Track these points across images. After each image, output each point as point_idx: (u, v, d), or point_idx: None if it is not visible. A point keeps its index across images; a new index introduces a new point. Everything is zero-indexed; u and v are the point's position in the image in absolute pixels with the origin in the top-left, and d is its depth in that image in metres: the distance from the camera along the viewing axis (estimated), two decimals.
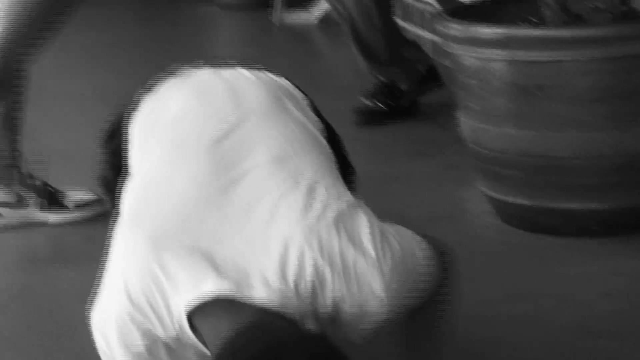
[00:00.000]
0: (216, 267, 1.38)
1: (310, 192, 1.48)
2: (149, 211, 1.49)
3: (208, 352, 1.37)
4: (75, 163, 2.90)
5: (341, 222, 1.45)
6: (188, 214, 1.45)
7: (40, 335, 2.04)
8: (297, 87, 1.82)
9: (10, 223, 2.53)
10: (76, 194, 2.59)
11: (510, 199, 2.35)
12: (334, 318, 1.44)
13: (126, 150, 1.71)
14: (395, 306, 1.45)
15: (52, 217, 2.56)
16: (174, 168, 1.55)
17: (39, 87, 2.64)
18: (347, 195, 1.52)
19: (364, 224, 1.46)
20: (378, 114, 3.26)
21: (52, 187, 2.60)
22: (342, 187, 1.55)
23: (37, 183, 2.58)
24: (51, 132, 3.19)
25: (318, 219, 1.44)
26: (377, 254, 1.43)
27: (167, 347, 1.40)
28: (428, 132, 3.15)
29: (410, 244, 1.50)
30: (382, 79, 3.31)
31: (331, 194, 1.49)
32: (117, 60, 4.31)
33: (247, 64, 1.84)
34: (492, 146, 2.33)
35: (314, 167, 1.55)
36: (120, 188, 1.61)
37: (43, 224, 2.56)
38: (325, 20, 4.71)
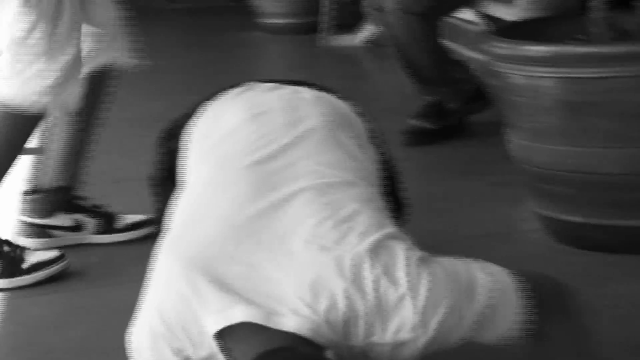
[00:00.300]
0: (247, 292, 1.39)
1: (348, 221, 1.48)
2: (187, 234, 1.52)
3: None
4: (127, 186, 2.94)
5: (376, 253, 1.43)
6: (224, 239, 1.46)
7: (92, 353, 2.07)
8: (357, 109, 1.82)
9: (63, 245, 2.56)
10: (128, 217, 2.62)
11: (561, 216, 2.34)
12: (367, 350, 1.43)
13: (181, 157, 1.73)
14: (434, 336, 1.42)
15: (105, 239, 2.60)
16: (217, 190, 1.56)
17: None
18: (387, 227, 1.50)
19: (400, 254, 1.44)
20: (427, 133, 3.26)
21: (105, 210, 2.64)
22: (383, 219, 1.53)
23: (93, 207, 2.62)
24: (104, 157, 3.23)
25: (352, 249, 1.43)
26: (409, 283, 1.41)
27: None
28: (477, 151, 3.15)
29: (462, 274, 1.46)
30: (430, 99, 3.32)
31: (370, 225, 1.48)
32: (166, 86, 4.36)
33: (310, 83, 1.84)
34: (542, 164, 2.33)
35: (356, 198, 1.54)
36: (172, 197, 1.63)
37: (95, 245, 2.59)
38: (371, 43, 4.73)
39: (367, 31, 4.81)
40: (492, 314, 1.45)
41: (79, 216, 2.60)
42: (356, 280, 1.40)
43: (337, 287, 1.39)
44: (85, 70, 2.45)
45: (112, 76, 2.58)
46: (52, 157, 2.59)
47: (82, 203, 2.62)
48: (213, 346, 1.40)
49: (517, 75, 2.31)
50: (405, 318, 1.40)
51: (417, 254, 1.46)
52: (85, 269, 2.50)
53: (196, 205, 1.57)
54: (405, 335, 1.40)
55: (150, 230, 2.51)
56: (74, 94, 2.33)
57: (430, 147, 3.21)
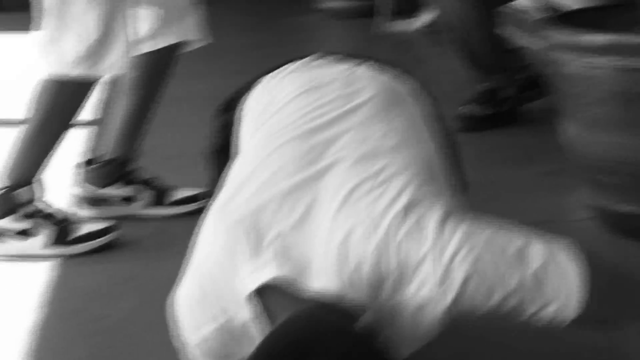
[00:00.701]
0: (282, 255, 1.40)
1: (384, 184, 1.47)
2: (233, 200, 1.53)
3: None
4: (183, 161, 2.98)
5: (409, 213, 1.42)
6: (266, 204, 1.47)
7: (140, 323, 2.11)
8: (418, 89, 1.81)
9: (117, 215, 2.61)
10: (180, 191, 2.65)
11: (614, 206, 2.33)
12: (393, 312, 1.42)
13: (236, 128, 1.75)
14: (458, 298, 1.39)
15: (157, 212, 2.64)
16: (264, 159, 1.58)
17: None
18: (427, 191, 1.48)
19: (434, 215, 1.42)
20: (480, 120, 3.25)
21: (158, 184, 2.68)
22: (424, 185, 1.49)
23: (146, 180, 2.66)
24: (162, 133, 3.27)
25: (384, 210, 1.43)
26: (436, 242, 1.39)
27: (234, 332, 1.44)
28: (528, 139, 3.13)
29: (508, 240, 1.42)
30: (484, 86, 3.30)
31: (406, 187, 1.46)
32: (223, 66, 4.38)
33: (373, 59, 1.84)
34: (596, 154, 2.31)
35: (404, 166, 1.53)
36: (226, 165, 1.66)
37: (148, 218, 2.63)
38: (428, 29, 4.72)
39: (424, 17, 4.79)
40: (538, 286, 1.40)
41: (132, 188, 2.64)
42: (384, 240, 1.40)
43: (365, 247, 1.39)
44: (148, 47, 2.49)
45: (176, 55, 2.61)
46: (109, 129, 2.63)
47: (136, 176, 2.66)
48: (249, 311, 1.41)
49: (573, 64, 2.29)
50: (427, 275, 1.38)
51: (456, 216, 1.43)
52: (136, 241, 2.54)
53: (244, 173, 1.59)
54: (425, 293, 1.38)
55: (201, 205, 2.54)
56: (116, 62, 2.32)
57: (482, 134, 3.20)
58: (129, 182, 2.63)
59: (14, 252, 2.42)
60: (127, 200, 2.63)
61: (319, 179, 1.50)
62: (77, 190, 2.65)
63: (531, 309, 1.42)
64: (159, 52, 2.55)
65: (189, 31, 2.56)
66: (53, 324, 2.13)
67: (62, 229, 2.42)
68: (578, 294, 1.41)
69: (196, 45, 2.62)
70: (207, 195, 2.13)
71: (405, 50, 4.69)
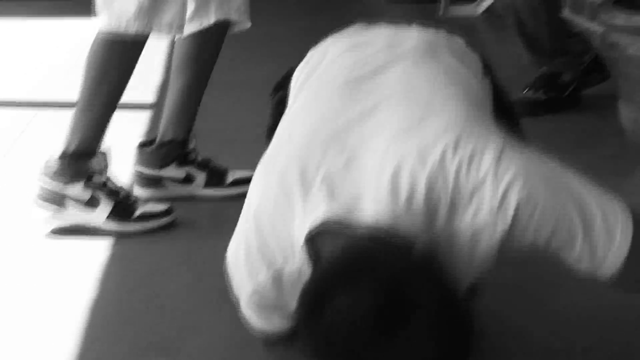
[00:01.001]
0: (332, 194, 1.39)
1: (435, 116, 1.45)
2: (281, 149, 1.54)
3: None
4: (236, 145, 3.00)
5: (464, 142, 1.39)
6: (313, 149, 1.46)
7: (196, 299, 2.13)
8: (470, 46, 1.80)
9: (173, 196, 2.64)
10: (236, 172, 2.68)
11: None
12: (448, 240, 1.38)
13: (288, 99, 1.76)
14: (513, 225, 1.36)
15: (214, 192, 2.66)
16: (310, 108, 1.58)
17: (213, 75, 2.73)
18: (481, 123, 1.45)
19: (491, 145, 1.39)
20: (540, 105, 3.22)
21: (215, 165, 2.70)
22: (477, 118, 1.47)
23: (203, 161, 2.69)
24: (220, 116, 3.31)
25: (436, 141, 1.40)
26: (493, 169, 1.36)
27: (289, 278, 1.44)
28: (589, 124, 3.10)
29: (566, 179, 1.41)
30: (545, 70, 3.27)
31: (458, 119, 1.44)
32: (284, 51, 4.39)
33: (421, 24, 1.80)
34: None
35: (454, 104, 1.49)
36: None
37: (204, 199, 2.66)
38: (488, 12, 4.68)
39: (486, 1, 4.75)
40: (586, 233, 1.39)
41: (190, 169, 2.66)
42: (437, 169, 1.37)
43: (417, 177, 1.37)
44: (194, 26, 2.51)
45: (221, 36, 2.62)
46: (166, 110, 2.66)
47: (194, 157, 2.68)
48: (301, 253, 1.40)
49: (633, 47, 2.26)
50: (484, 201, 1.35)
51: (512, 148, 1.40)
52: (192, 221, 2.57)
53: (290, 125, 1.59)
54: (482, 219, 1.35)
55: None
56: (172, 22, 2.34)
57: (543, 118, 3.17)
58: (184, 163, 2.66)
59: (76, 221, 2.45)
60: (184, 181, 2.66)
61: (366, 120, 1.48)
62: (136, 171, 2.68)
63: (572, 256, 1.40)
64: (205, 32, 2.56)
65: (231, 11, 2.56)
66: (109, 301, 2.17)
67: (124, 205, 2.46)
68: (618, 257, 1.40)
69: (240, 28, 2.62)
70: None
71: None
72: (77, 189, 2.42)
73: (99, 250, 2.39)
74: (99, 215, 2.43)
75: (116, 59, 2.38)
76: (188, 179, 2.66)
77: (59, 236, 2.46)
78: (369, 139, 1.45)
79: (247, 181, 2.59)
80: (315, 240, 1.39)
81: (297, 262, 1.42)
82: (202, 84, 2.65)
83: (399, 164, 1.39)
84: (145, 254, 2.39)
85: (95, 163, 2.44)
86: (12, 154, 3.05)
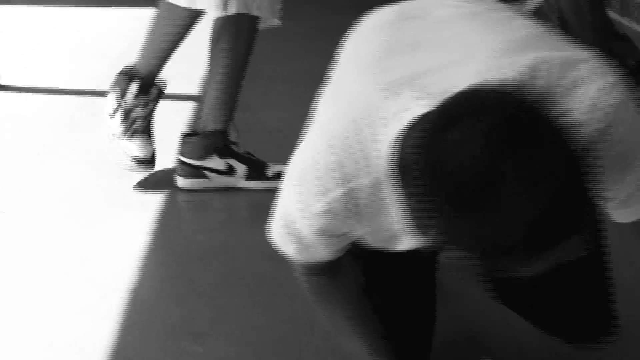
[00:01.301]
0: (420, 90, 1.27)
1: (519, 20, 1.38)
2: (345, 73, 1.43)
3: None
4: (281, 138, 3.04)
5: (561, 48, 1.32)
6: (384, 61, 1.36)
7: (234, 289, 2.18)
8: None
9: (215, 186, 2.69)
10: (277, 166, 2.72)
11: None
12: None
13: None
14: (596, 143, 1.23)
15: (254, 184, 2.71)
16: (354, 61, 1.45)
17: (255, 69, 2.78)
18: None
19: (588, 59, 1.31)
20: None
21: (257, 158, 2.74)
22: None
23: (245, 153, 2.74)
24: (262, 109, 3.35)
25: (529, 41, 1.32)
26: (590, 76, 1.28)
27: (362, 195, 1.34)
28: None
29: None
30: None
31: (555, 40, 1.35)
32: (325, 46, 4.43)
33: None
34: None
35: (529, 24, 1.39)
36: None
37: (246, 190, 2.71)
38: (537, 13, 4.67)
39: (533, 1, 4.74)
40: None
41: (231, 160, 2.71)
42: (532, 61, 1.27)
43: (507, 70, 1.25)
44: (218, 12, 2.61)
45: (252, 28, 2.67)
46: (205, 102, 2.72)
47: (235, 149, 2.73)
48: (380, 168, 1.29)
49: None
50: (579, 100, 1.25)
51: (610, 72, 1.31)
52: (233, 212, 2.62)
53: (338, 82, 1.46)
54: (580, 113, 1.24)
55: None
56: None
57: None
58: (226, 154, 2.71)
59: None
60: (226, 172, 2.72)
61: (435, 28, 1.37)
62: (179, 160, 2.74)
63: (615, 185, 1.33)
64: (234, 22, 2.63)
65: (253, 6, 2.61)
66: (149, 287, 2.22)
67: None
68: None
69: (267, 25, 2.70)
70: None
71: None
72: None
73: (141, 236, 2.44)
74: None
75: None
76: (230, 171, 2.71)
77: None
78: (446, 38, 1.34)
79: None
80: (402, 143, 1.22)
81: (372, 176, 1.31)
82: (238, 75, 2.70)
83: (491, 56, 1.27)
84: (186, 242, 2.44)
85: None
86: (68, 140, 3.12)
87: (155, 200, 2.65)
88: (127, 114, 2.69)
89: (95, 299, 2.16)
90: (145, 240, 2.43)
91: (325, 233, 1.40)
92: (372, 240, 1.45)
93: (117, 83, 2.68)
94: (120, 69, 2.70)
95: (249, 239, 2.40)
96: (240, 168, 2.72)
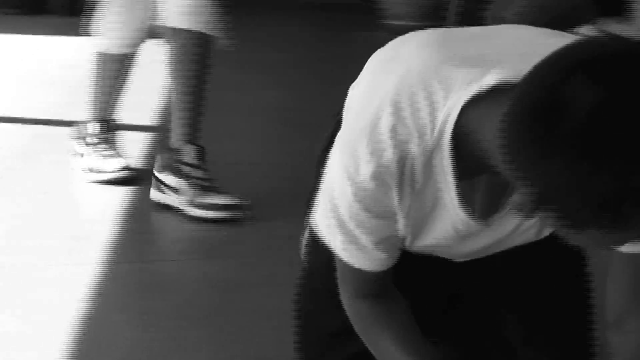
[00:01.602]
0: (494, 62, 1.24)
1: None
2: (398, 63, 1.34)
3: (450, 175, 1.25)
4: (244, 170, 3.06)
5: None
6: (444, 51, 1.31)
7: (187, 321, 2.18)
8: None
9: (172, 204, 2.75)
10: (223, 197, 2.72)
11: None
12: None
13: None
14: None
15: (200, 212, 2.71)
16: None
17: (219, 99, 2.80)
18: None
19: None
20: None
21: (209, 185, 2.74)
22: None
23: (197, 178, 2.75)
24: (223, 140, 3.36)
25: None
26: None
27: (418, 159, 1.27)
28: None
29: None
30: None
31: None
32: (289, 77, 4.47)
33: None
34: None
35: None
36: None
37: (202, 221, 2.71)
38: None
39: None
40: None
41: (179, 181, 2.74)
42: None
43: None
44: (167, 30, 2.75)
45: (205, 49, 2.76)
46: (172, 119, 2.83)
47: (187, 170, 2.74)
48: (435, 136, 1.24)
49: None
50: None
51: None
52: (189, 242, 2.64)
53: (389, 60, 1.37)
54: None
55: (239, 216, 2.66)
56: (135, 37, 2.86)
57: None
58: (179, 174, 2.75)
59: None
60: (175, 190, 2.75)
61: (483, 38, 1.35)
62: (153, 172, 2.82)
63: None
64: (186, 42, 2.73)
65: (206, 25, 2.74)
66: (99, 316, 2.21)
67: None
68: None
69: (222, 45, 2.80)
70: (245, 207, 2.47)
71: None
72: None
73: (93, 267, 2.43)
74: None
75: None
76: (177, 190, 2.74)
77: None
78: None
79: (230, 208, 2.72)
80: (468, 111, 1.21)
81: (426, 142, 1.25)
82: (191, 94, 2.77)
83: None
84: (140, 272, 2.45)
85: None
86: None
87: (108, 230, 2.64)
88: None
89: (45, 327, 2.14)
90: (97, 270, 2.43)
91: (367, 209, 1.31)
92: (405, 226, 1.35)
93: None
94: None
95: (204, 270, 2.41)
96: (187, 192, 2.72)
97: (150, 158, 2.99)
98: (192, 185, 2.72)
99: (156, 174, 2.78)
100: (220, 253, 2.53)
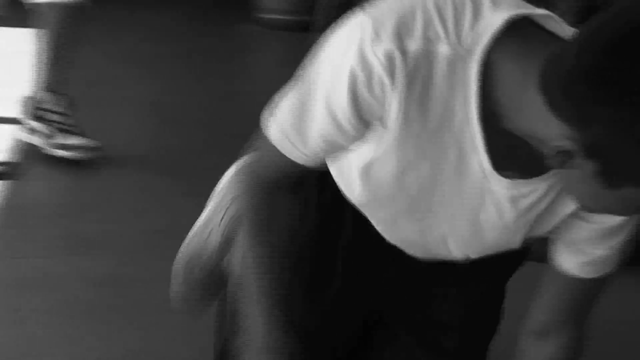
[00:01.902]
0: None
1: None
2: None
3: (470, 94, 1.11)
4: (111, 164, 3.06)
5: None
6: None
7: (63, 317, 2.17)
8: None
9: (36, 144, 2.98)
10: (79, 138, 2.97)
11: None
12: None
13: None
14: None
15: (57, 152, 2.96)
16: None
17: (94, 93, 2.81)
18: None
19: None
20: None
21: (67, 127, 2.98)
22: None
23: (55, 120, 2.98)
24: (96, 134, 3.33)
25: None
26: None
27: (436, 67, 1.12)
28: None
29: None
30: None
31: None
32: (166, 71, 4.46)
33: None
34: None
35: None
36: None
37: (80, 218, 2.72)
38: None
39: None
40: None
41: (41, 125, 2.97)
42: None
43: None
44: None
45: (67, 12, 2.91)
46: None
47: (45, 115, 2.98)
48: (467, 42, 1.10)
49: None
50: None
51: None
52: (66, 239, 2.62)
53: None
54: None
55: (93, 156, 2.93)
56: None
57: None
58: (37, 117, 2.97)
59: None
60: (33, 132, 2.99)
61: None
62: None
63: None
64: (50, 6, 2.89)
65: None
66: None
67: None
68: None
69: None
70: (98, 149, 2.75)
71: None
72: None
73: None
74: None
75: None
76: (35, 131, 2.98)
77: None
78: None
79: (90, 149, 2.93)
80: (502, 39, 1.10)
81: (456, 48, 1.11)
82: (55, 47, 2.92)
83: None
84: (12, 268, 2.42)
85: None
86: None
87: None
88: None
89: None
90: None
91: (354, 106, 1.13)
92: (381, 169, 1.19)
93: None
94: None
95: (81, 266, 2.40)
96: (45, 133, 2.96)
97: (19, 151, 2.98)
98: (51, 128, 2.96)
99: (21, 117, 2.99)
100: (95, 248, 2.52)
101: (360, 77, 1.11)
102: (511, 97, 1.09)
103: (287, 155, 1.23)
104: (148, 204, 2.78)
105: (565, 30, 1.12)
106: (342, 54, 1.13)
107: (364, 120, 1.14)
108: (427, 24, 1.11)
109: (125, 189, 2.81)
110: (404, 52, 1.10)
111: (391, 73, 1.10)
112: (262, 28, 5.42)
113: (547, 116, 1.03)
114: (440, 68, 1.11)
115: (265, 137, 1.25)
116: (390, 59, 1.10)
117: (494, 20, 1.10)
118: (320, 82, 1.17)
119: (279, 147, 1.23)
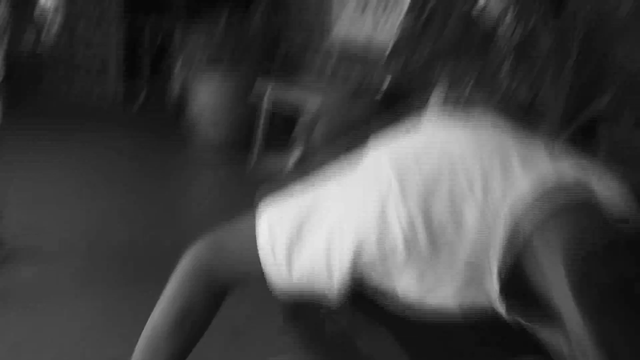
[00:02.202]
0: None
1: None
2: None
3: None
4: None
5: None
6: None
7: None
8: None
9: None
10: None
11: None
12: None
13: None
14: None
15: None
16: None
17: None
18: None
19: None
20: None
21: None
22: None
23: None
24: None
25: None
26: None
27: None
28: None
29: None
30: None
31: None
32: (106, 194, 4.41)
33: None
34: None
35: None
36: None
37: None
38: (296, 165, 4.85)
39: (295, 155, 4.93)
40: None
41: None
42: None
43: None
44: None
45: None
46: None
47: None
48: (518, 205, 1.12)
49: None
50: None
51: None
52: None
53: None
54: None
55: None
56: None
57: None
58: None
59: None
60: None
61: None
62: None
63: None
64: None
65: None
66: None
67: None
68: None
69: None
70: None
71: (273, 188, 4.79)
72: None
73: None
74: None
75: None
76: None
77: None
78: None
79: None
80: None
81: (494, 207, 1.11)
82: None
83: None
84: None
85: None
86: None
87: None
88: None
89: None
90: None
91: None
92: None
93: None
94: None
95: None
96: None
97: None
98: None
99: None
100: None
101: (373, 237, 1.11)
102: None
103: (266, 269, 1.19)
104: None
105: None
106: (362, 201, 1.12)
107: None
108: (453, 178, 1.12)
109: None
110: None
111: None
112: (198, 152, 5.43)
113: None
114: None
115: (252, 224, 1.21)
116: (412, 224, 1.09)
117: (520, 190, 1.11)
118: (330, 216, 1.15)
119: (259, 253, 1.20)
